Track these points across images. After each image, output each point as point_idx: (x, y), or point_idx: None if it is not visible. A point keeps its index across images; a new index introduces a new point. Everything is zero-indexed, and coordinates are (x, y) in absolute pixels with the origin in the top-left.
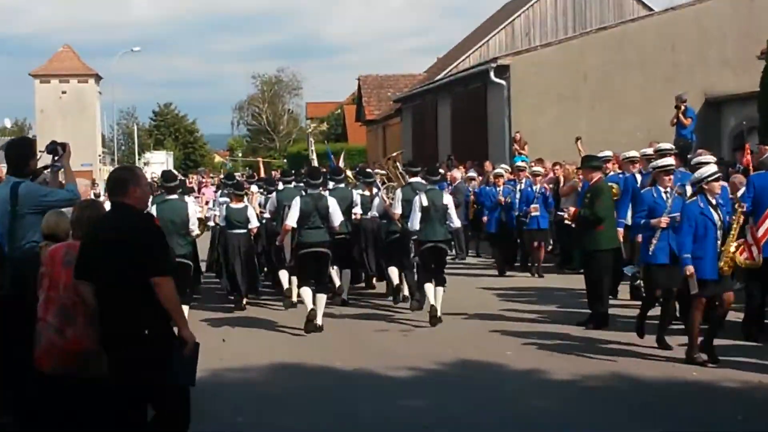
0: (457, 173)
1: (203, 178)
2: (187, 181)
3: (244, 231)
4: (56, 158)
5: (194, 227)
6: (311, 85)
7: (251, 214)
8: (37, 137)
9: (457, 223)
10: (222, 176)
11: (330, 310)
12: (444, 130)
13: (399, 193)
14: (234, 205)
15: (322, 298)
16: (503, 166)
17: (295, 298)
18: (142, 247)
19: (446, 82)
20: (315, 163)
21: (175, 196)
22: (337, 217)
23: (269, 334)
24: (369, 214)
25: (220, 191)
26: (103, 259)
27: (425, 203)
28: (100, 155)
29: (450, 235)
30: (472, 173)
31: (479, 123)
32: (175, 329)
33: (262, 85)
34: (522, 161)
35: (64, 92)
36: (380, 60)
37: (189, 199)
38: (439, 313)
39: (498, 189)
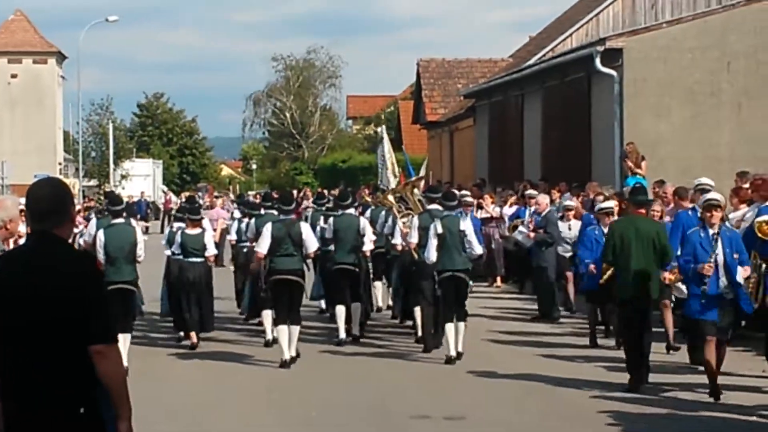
0: (544, 198)
1: (206, 198)
2: (176, 200)
3: (201, 260)
4: None
5: (141, 252)
6: (354, 73)
7: (209, 240)
8: None
9: (478, 249)
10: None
11: (345, 364)
12: (532, 137)
13: (415, 220)
14: (190, 231)
15: (294, 330)
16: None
17: (269, 335)
18: (83, 303)
19: (536, 71)
20: (391, 181)
21: (121, 220)
22: (311, 243)
23: (252, 394)
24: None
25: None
26: (25, 315)
27: (440, 230)
28: (61, 163)
29: (471, 264)
30: (568, 201)
31: (579, 129)
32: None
33: (287, 71)
34: (637, 183)
35: (14, 75)
36: (452, 39)
37: (135, 223)
38: (460, 349)
39: None
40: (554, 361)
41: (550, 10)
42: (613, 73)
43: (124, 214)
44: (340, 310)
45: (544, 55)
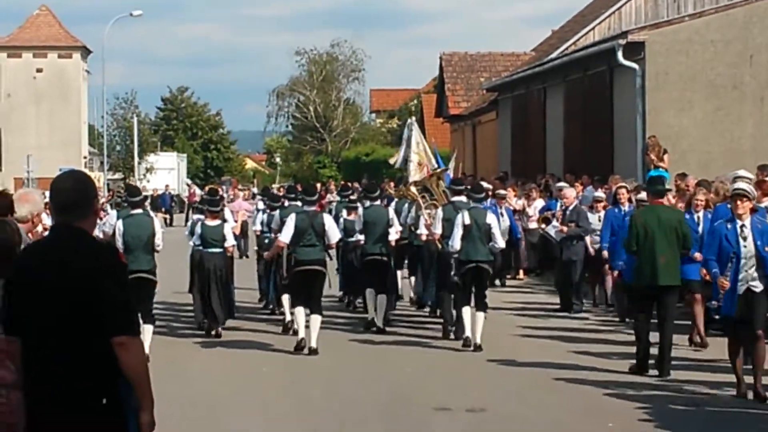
0: (571, 191)
1: (229, 191)
2: (201, 193)
3: (221, 250)
4: None
5: (160, 242)
6: (377, 66)
7: (228, 231)
8: (2, 130)
9: (501, 243)
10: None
11: (368, 357)
12: (555, 130)
13: (439, 212)
14: (210, 223)
15: (316, 319)
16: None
17: (288, 316)
18: (102, 296)
19: (558, 64)
20: (412, 173)
21: (140, 211)
22: (333, 234)
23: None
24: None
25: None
26: (45, 308)
27: (467, 221)
28: (86, 157)
29: (493, 256)
30: (597, 192)
31: (601, 122)
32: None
33: (310, 65)
34: (659, 176)
35: (39, 70)
36: (475, 33)
37: (154, 214)
38: (478, 341)
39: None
40: (580, 355)
41: (573, 3)
42: (635, 66)
43: (148, 205)
44: (370, 293)
45: (566, 49)
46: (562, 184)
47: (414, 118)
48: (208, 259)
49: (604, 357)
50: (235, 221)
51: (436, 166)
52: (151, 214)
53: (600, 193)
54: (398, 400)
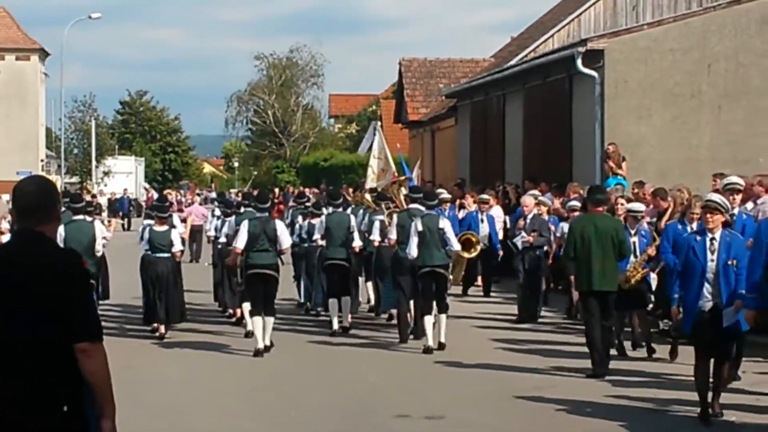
0: (530, 199)
1: (186, 196)
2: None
3: (168, 255)
4: None
5: (100, 247)
6: (336, 72)
7: (175, 237)
8: None
9: (456, 246)
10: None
11: (328, 363)
12: (514, 137)
13: (395, 218)
14: (157, 228)
15: (269, 321)
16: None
17: (250, 326)
18: (66, 302)
19: (518, 71)
20: (368, 180)
21: (81, 216)
22: (285, 240)
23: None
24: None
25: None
26: (7, 313)
27: (420, 228)
28: (43, 160)
29: (449, 259)
30: (572, 202)
31: (560, 129)
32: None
33: (270, 70)
34: (618, 184)
35: None
36: (436, 39)
37: (93, 220)
38: (443, 339)
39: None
40: (541, 364)
41: (533, 11)
42: (595, 74)
43: (105, 209)
44: (333, 304)
45: (525, 56)
46: (534, 192)
47: (379, 122)
48: (155, 263)
49: (565, 366)
50: (185, 227)
51: (395, 172)
52: (88, 219)
53: (575, 202)
54: (357, 407)
